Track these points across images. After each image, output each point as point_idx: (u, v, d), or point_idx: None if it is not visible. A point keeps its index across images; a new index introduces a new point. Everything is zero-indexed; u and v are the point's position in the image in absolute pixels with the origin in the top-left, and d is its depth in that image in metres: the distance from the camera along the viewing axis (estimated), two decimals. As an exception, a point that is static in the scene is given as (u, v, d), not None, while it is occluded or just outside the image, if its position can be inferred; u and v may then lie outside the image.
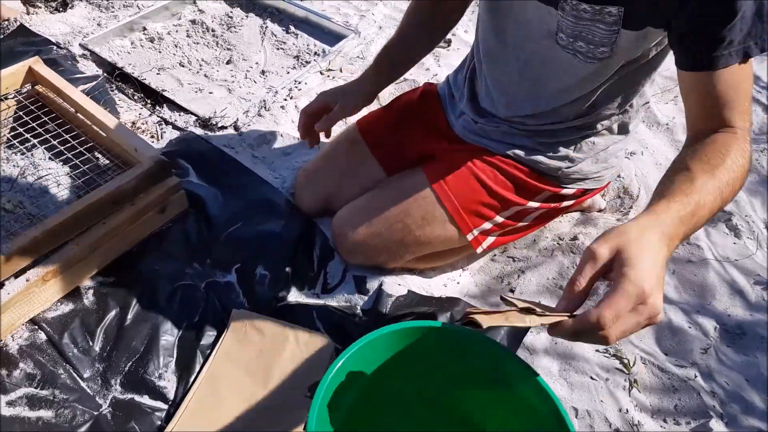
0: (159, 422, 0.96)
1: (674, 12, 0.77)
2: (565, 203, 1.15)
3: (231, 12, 1.93)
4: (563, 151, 1.09)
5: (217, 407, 0.96)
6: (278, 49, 1.81)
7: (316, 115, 1.14)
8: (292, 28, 1.87)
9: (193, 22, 1.86)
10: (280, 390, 0.98)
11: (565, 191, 1.12)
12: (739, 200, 1.36)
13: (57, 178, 1.21)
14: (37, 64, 1.36)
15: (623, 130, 1.10)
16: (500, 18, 1.01)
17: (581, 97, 1.00)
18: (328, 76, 1.67)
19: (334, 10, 1.94)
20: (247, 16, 1.91)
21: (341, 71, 1.70)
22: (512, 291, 1.18)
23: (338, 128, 1.28)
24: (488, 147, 1.14)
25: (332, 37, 1.84)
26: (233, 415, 0.95)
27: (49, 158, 1.26)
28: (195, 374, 1.02)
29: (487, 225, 1.12)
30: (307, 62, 1.74)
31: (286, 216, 1.25)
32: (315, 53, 1.79)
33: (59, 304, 1.08)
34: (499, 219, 1.11)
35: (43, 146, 1.26)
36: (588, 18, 0.85)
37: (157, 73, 1.67)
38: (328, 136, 1.21)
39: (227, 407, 0.96)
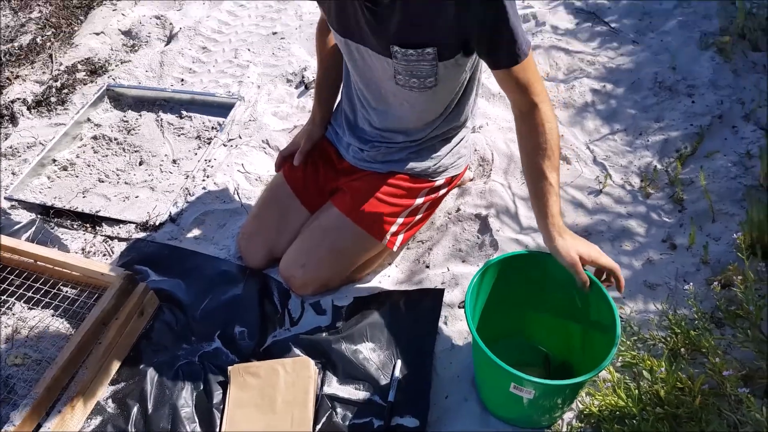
0: (206, 474, 1.24)
1: (469, 42, 1.14)
2: (442, 191, 1.51)
3: (125, 116, 2.15)
4: (427, 155, 1.44)
5: (246, 444, 1.25)
6: (179, 135, 2.06)
7: (291, 155, 1.57)
8: (185, 113, 2.12)
9: (95, 137, 2.09)
10: (286, 409, 1.28)
11: (437, 183, 1.48)
12: (563, 134, 1.76)
13: (45, 322, 1.44)
14: (-17, 232, 1.58)
15: (464, 124, 1.46)
16: (355, 67, 1.33)
17: (431, 116, 1.35)
18: (233, 145, 1.95)
19: (215, 84, 2.20)
20: (140, 115, 2.15)
21: (240, 137, 1.97)
22: (428, 267, 1.52)
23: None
24: (377, 170, 1.47)
25: (222, 109, 2.10)
26: (260, 445, 1.25)
27: (29, 308, 1.49)
28: (218, 428, 1.30)
29: (393, 228, 1.44)
30: (209, 139, 2.00)
31: (242, 279, 1.54)
32: (212, 128, 2.05)
33: (89, 420, 1.33)
34: (400, 220, 1.44)
35: (21, 301, 1.49)
36: (414, 59, 1.19)
37: (84, 197, 1.89)
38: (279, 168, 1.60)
39: (253, 441, 1.25)
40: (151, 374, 1.39)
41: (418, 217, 1.50)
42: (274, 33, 2.37)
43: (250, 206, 1.74)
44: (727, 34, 1.96)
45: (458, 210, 1.63)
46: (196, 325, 1.48)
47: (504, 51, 1.13)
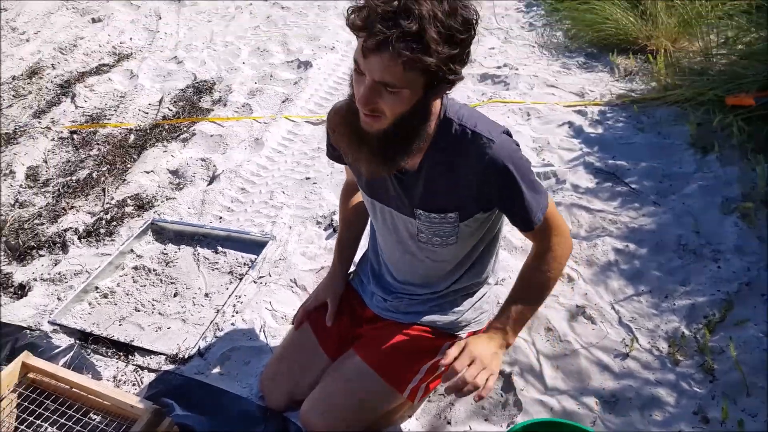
0: None
1: (497, 204, 1.33)
2: (464, 344, 1.61)
3: (164, 249, 2.35)
4: (449, 308, 1.56)
5: None
6: (213, 270, 2.24)
7: (316, 311, 1.65)
8: (220, 248, 2.31)
9: (136, 268, 2.27)
10: None
11: (460, 338, 1.57)
12: (588, 294, 1.87)
13: (72, 450, 1.52)
14: (28, 357, 1.70)
15: (486, 280, 1.59)
16: (379, 225, 1.50)
17: (452, 270, 1.50)
18: (262, 283, 2.11)
19: (250, 223, 2.41)
20: (179, 249, 2.35)
21: (270, 276, 2.14)
22: (449, 423, 1.58)
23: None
24: (399, 320, 1.58)
25: (255, 246, 2.30)
26: None
27: (59, 435, 1.58)
28: None
29: (415, 380, 1.52)
30: (241, 275, 2.17)
31: (262, 421, 1.61)
32: (244, 264, 2.23)
33: None
34: (421, 375, 1.53)
35: (54, 426, 1.58)
36: (437, 222, 1.36)
37: (120, 324, 2.03)
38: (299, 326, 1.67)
39: None
40: None
41: (440, 370, 1.58)
42: (308, 178, 2.63)
43: (274, 346, 1.85)
44: (750, 200, 2.04)
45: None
46: (214, 462, 1.54)
47: (519, 218, 1.32)
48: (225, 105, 3.25)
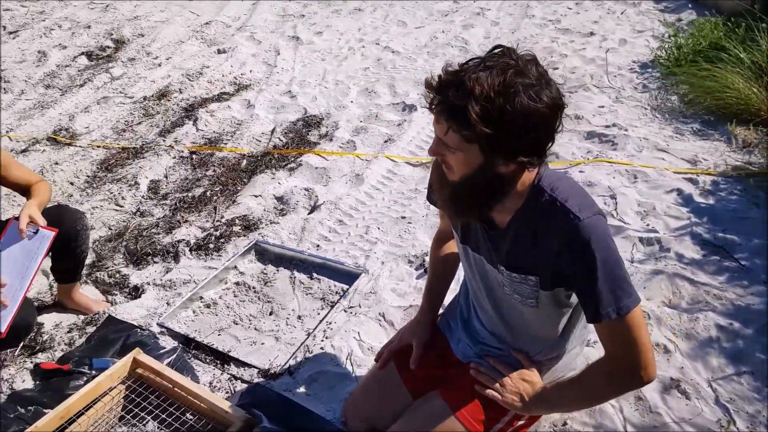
0: None
1: (571, 283, 1.34)
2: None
3: (265, 269, 2.55)
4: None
5: None
6: (307, 294, 2.39)
7: (401, 353, 1.69)
8: (315, 275, 2.48)
9: (237, 283, 2.47)
10: None
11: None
12: (684, 368, 1.84)
13: (169, 444, 1.68)
14: (139, 354, 1.91)
15: (573, 348, 1.60)
16: (470, 269, 1.57)
17: (536, 333, 1.52)
18: (352, 312, 2.23)
19: (345, 254, 2.56)
20: (278, 270, 2.53)
21: (360, 307, 2.26)
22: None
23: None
24: (484, 368, 1.64)
25: (348, 277, 2.44)
26: None
27: (158, 428, 1.75)
28: None
29: (494, 430, 1.56)
30: (332, 303, 2.31)
31: (343, 443, 1.71)
32: (336, 293, 2.37)
33: None
34: (501, 425, 1.57)
35: (155, 420, 1.75)
36: (518, 281, 1.41)
37: (218, 335, 2.22)
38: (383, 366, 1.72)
39: None
40: None
41: (521, 422, 1.61)
42: (403, 217, 2.76)
43: (360, 375, 1.95)
44: None
45: (564, 424, 1.72)
46: (294, 479, 1.64)
47: (587, 305, 1.30)
48: (331, 140, 3.48)
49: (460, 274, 2.23)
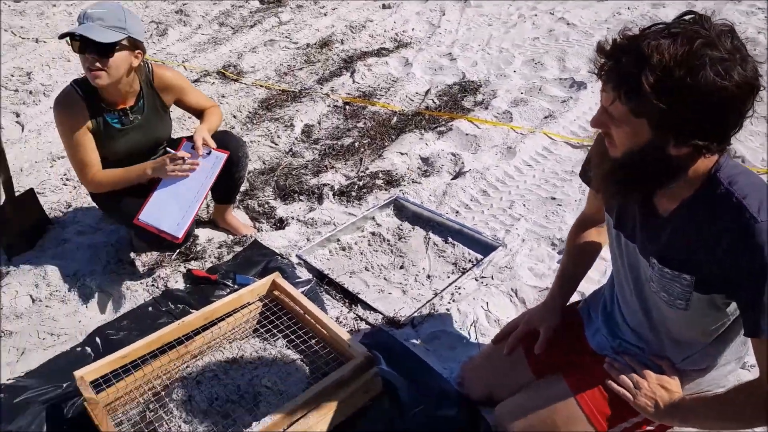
0: None
1: (733, 288, 1.25)
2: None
3: (401, 225, 2.69)
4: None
5: None
6: (439, 256, 2.50)
7: (528, 335, 1.70)
8: (450, 239, 2.57)
9: (373, 234, 2.64)
10: None
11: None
12: None
13: (294, 364, 1.87)
14: (278, 277, 2.13)
15: (726, 365, 1.53)
16: (619, 257, 1.54)
17: (680, 337, 1.46)
18: (483, 282, 2.30)
19: (484, 225, 2.62)
20: (413, 229, 2.66)
21: (492, 278, 2.32)
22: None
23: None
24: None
25: (483, 248, 2.50)
26: None
27: (286, 347, 1.95)
28: None
29: (617, 428, 1.55)
30: (464, 269, 2.39)
31: (456, 403, 1.80)
32: (469, 261, 2.45)
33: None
34: (626, 424, 1.55)
35: (285, 339, 1.97)
36: (668, 278, 1.34)
37: (350, 277, 2.40)
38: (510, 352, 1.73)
39: None
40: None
41: (650, 428, 1.57)
42: (553, 198, 2.75)
43: (482, 342, 2.03)
44: None
45: None
46: (405, 425, 1.76)
47: (747, 315, 1.19)
48: (486, 108, 3.52)
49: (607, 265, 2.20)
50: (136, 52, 2.12)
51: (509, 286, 2.26)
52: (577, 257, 1.77)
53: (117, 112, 2.23)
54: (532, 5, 4.89)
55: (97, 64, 2.03)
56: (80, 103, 2.16)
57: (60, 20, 5.33)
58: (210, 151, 2.24)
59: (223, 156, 2.24)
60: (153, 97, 2.30)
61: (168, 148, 2.35)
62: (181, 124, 3.57)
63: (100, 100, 2.19)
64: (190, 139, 2.27)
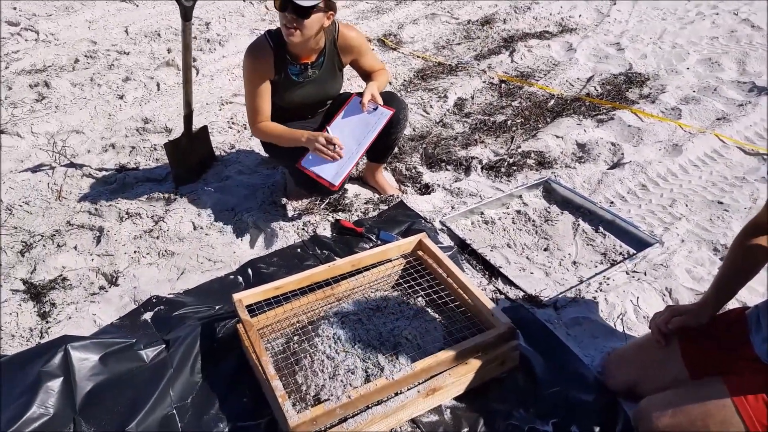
0: None
1: None
2: None
3: (549, 208, 2.58)
4: None
5: None
6: (588, 245, 2.37)
7: (684, 333, 1.62)
8: (601, 229, 2.42)
9: (518, 212, 2.55)
10: None
11: None
12: None
13: (433, 322, 1.86)
14: (425, 238, 2.12)
15: None
16: None
17: None
18: (634, 277, 2.15)
19: (640, 219, 2.45)
20: (562, 213, 2.54)
21: (645, 274, 2.16)
22: None
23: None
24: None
25: (636, 242, 2.33)
26: None
27: (426, 305, 1.94)
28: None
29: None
30: (614, 261, 2.25)
31: (595, 389, 1.70)
32: (620, 253, 2.30)
33: (429, 414, 1.67)
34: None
35: (427, 298, 1.96)
36: None
37: (491, 250, 2.34)
38: (668, 342, 1.64)
39: None
40: (484, 414, 1.66)
41: None
42: (720, 202, 2.51)
43: (628, 335, 1.90)
44: None
45: None
46: (538, 402, 1.70)
47: None
48: (653, 102, 3.28)
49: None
50: (329, 13, 2.18)
51: (663, 285, 2.10)
52: (738, 263, 1.62)
53: (299, 66, 2.31)
54: (713, 3, 4.50)
55: (294, 24, 2.11)
56: (269, 54, 2.25)
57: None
58: (376, 107, 2.27)
59: (388, 113, 2.25)
60: (333, 55, 2.36)
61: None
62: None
63: (287, 53, 2.28)
64: (360, 95, 2.31)
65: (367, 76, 2.49)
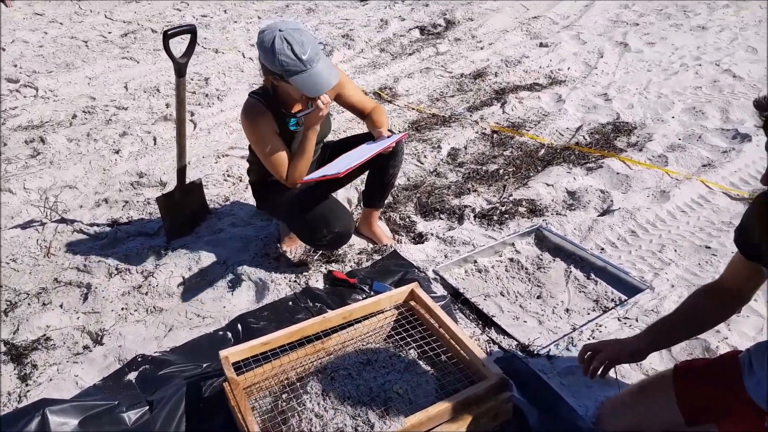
0: None
1: None
2: None
3: (541, 255, 2.58)
4: None
5: None
6: (580, 291, 2.36)
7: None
8: (593, 275, 2.42)
9: (511, 260, 2.55)
10: None
11: None
12: None
13: (425, 375, 1.83)
14: (417, 288, 2.11)
15: None
16: None
17: None
18: (626, 323, 2.13)
19: (630, 265, 2.45)
20: (554, 260, 2.54)
21: (636, 320, 2.14)
22: None
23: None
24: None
25: (628, 288, 2.32)
26: None
27: (418, 357, 1.92)
28: None
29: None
30: (606, 308, 2.24)
31: (591, 442, 1.66)
32: (612, 300, 2.28)
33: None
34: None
35: (418, 349, 1.93)
36: None
37: (484, 299, 2.33)
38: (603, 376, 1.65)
39: None
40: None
41: None
42: (708, 247, 2.51)
43: (622, 383, 1.87)
44: None
45: None
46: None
47: None
48: (640, 150, 3.32)
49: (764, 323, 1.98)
50: None
51: (656, 333, 2.08)
52: (685, 316, 1.64)
53: (292, 116, 2.33)
54: (696, 55, 4.61)
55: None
56: (267, 112, 2.27)
57: (238, 35, 5.81)
58: (390, 135, 2.32)
59: (401, 134, 2.28)
60: (319, 97, 2.39)
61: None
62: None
63: (279, 107, 2.30)
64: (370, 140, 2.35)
65: (359, 111, 2.47)
